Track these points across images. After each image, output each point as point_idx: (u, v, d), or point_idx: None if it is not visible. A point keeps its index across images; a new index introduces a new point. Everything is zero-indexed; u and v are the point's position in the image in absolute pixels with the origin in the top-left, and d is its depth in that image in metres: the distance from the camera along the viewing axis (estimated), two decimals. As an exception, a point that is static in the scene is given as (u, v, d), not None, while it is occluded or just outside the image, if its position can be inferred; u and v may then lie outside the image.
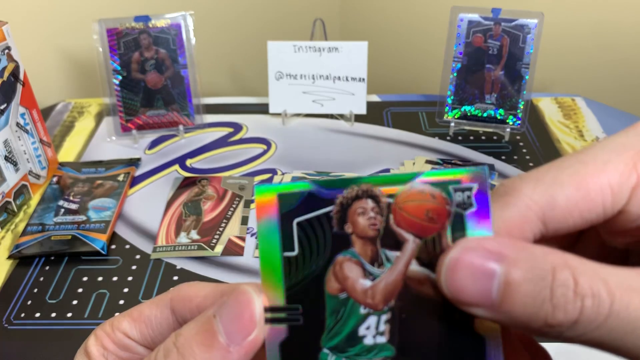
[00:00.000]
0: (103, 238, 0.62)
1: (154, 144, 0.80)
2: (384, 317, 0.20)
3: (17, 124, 0.67)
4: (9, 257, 0.61)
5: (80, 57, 0.95)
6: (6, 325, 0.54)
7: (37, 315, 0.55)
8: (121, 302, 0.56)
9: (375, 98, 0.89)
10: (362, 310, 0.20)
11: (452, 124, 0.80)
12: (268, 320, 0.20)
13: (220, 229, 0.64)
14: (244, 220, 0.65)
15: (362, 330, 0.20)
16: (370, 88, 0.83)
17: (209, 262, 0.61)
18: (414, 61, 1.19)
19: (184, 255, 0.61)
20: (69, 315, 0.55)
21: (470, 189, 0.20)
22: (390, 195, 0.20)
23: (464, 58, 0.77)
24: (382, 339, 0.20)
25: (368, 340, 0.20)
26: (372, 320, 0.20)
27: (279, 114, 0.83)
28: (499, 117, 0.78)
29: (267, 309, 0.20)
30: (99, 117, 0.86)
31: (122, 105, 0.78)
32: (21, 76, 0.68)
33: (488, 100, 0.78)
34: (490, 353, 0.20)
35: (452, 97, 0.79)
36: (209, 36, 1.04)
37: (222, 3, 1.11)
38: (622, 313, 0.17)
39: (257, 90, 1.10)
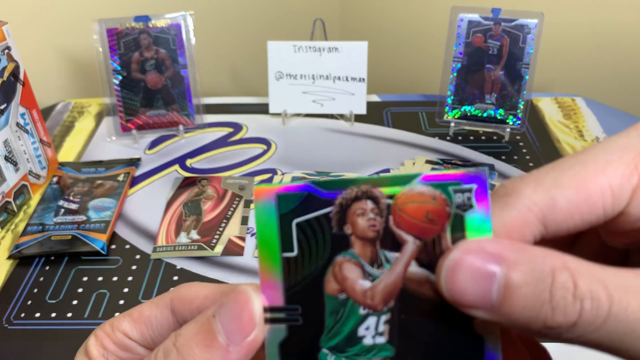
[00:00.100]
0: (103, 238, 0.62)
1: (154, 144, 0.80)
2: (384, 318, 0.20)
3: (17, 124, 0.67)
4: (9, 257, 0.61)
5: (80, 57, 0.95)
6: (6, 325, 0.54)
7: (37, 315, 0.55)
8: (121, 302, 0.56)
9: (375, 98, 0.89)
10: (362, 311, 0.20)
11: (452, 124, 0.80)
12: (267, 320, 0.21)
13: (220, 229, 0.64)
14: (244, 220, 0.65)
15: (361, 331, 0.20)
16: (370, 88, 0.83)
17: (209, 262, 0.61)
18: (414, 61, 1.19)
19: (184, 255, 0.61)
20: (69, 315, 0.55)
21: (470, 190, 0.20)
22: (390, 197, 0.20)
23: (464, 58, 0.77)
24: (381, 339, 0.20)
25: (367, 341, 0.21)
26: (371, 320, 0.20)
27: (279, 114, 0.83)
28: (499, 117, 0.78)
29: (267, 309, 0.20)
30: (99, 117, 0.86)
31: (122, 105, 0.78)
32: (21, 76, 0.68)
33: (488, 100, 0.78)
34: (489, 353, 0.20)
35: (452, 97, 0.79)
36: (209, 36, 1.04)
37: (222, 3, 1.11)
38: (620, 315, 0.17)
39: (257, 90, 1.10)
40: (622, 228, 0.21)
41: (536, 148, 0.77)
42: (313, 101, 0.82)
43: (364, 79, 0.80)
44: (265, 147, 0.79)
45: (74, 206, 0.67)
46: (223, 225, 0.64)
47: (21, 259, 0.61)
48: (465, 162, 0.73)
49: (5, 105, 0.65)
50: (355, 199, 0.20)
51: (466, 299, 0.19)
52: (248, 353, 0.20)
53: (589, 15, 0.92)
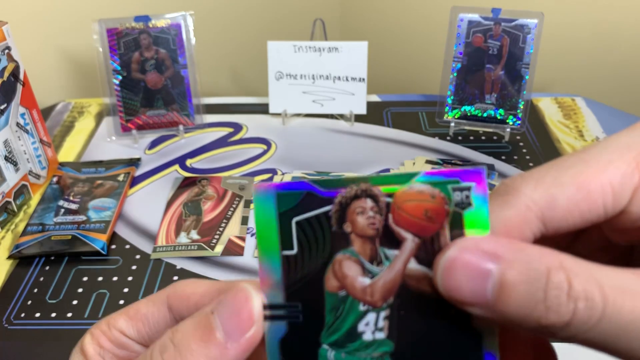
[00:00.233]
0: (103, 238, 0.62)
1: (154, 144, 0.80)
2: (383, 314, 0.21)
3: (17, 124, 0.67)
4: (9, 257, 0.61)
5: (80, 57, 0.95)
6: (6, 325, 0.54)
7: (37, 315, 0.55)
8: (121, 302, 0.56)
9: (375, 98, 0.89)
10: (361, 307, 0.21)
11: (452, 124, 0.80)
12: (268, 317, 0.21)
13: (220, 229, 0.64)
14: (244, 220, 0.65)
15: (361, 327, 0.21)
16: (370, 88, 0.83)
17: (209, 262, 0.61)
18: (414, 61, 1.19)
19: (184, 255, 0.61)
20: (69, 315, 0.55)
21: (468, 189, 0.20)
22: (389, 195, 0.20)
23: (464, 58, 0.77)
24: (381, 335, 0.21)
25: (367, 336, 0.21)
26: (371, 316, 0.21)
27: (279, 114, 0.83)
28: (499, 117, 0.78)
29: (267, 307, 0.21)
30: (99, 117, 0.86)
31: (122, 105, 0.78)
32: (21, 76, 0.68)
33: (488, 100, 0.78)
34: (486, 349, 0.20)
35: (452, 97, 0.79)
36: (209, 36, 1.04)
37: (222, 3, 1.11)
38: (614, 316, 0.17)
39: (257, 90, 1.09)
40: (624, 226, 0.21)
41: (536, 148, 0.77)
42: (313, 101, 0.82)
43: (364, 79, 0.80)
44: (265, 147, 0.79)
45: (74, 206, 0.67)
46: (223, 225, 0.64)
47: (21, 259, 0.61)
48: (465, 162, 0.73)
49: (5, 105, 0.65)
50: (355, 197, 0.20)
51: (461, 295, 0.19)
52: (246, 350, 0.21)
53: (589, 15, 0.92)
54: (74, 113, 0.87)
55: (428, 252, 0.20)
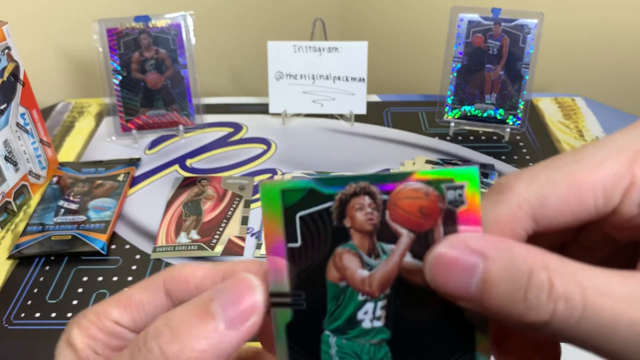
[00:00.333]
0: (103, 238, 0.62)
1: (154, 144, 0.80)
2: (380, 304, 0.22)
3: (17, 124, 0.67)
4: (9, 257, 0.61)
5: (80, 57, 0.95)
6: (6, 325, 0.54)
7: (37, 315, 0.55)
8: (121, 302, 0.56)
9: (375, 98, 0.89)
10: (360, 297, 0.22)
11: (452, 124, 0.80)
12: (275, 305, 0.22)
13: (220, 229, 0.64)
14: (244, 220, 0.65)
15: (360, 315, 0.22)
16: (370, 88, 0.83)
17: (209, 262, 0.60)
18: (414, 61, 1.19)
19: (184, 255, 0.61)
20: (69, 315, 0.55)
21: (462, 187, 0.21)
22: (386, 192, 0.21)
23: (464, 58, 0.77)
24: (378, 323, 0.22)
25: (366, 324, 0.22)
26: (369, 306, 0.22)
27: (279, 114, 0.83)
28: (499, 117, 0.78)
29: (274, 294, 0.22)
30: (99, 117, 0.86)
31: (122, 105, 0.78)
32: (21, 76, 0.68)
33: (488, 100, 0.78)
34: (478, 339, 0.22)
35: (452, 97, 0.79)
36: (209, 36, 1.04)
37: (222, 3, 1.11)
38: (594, 318, 0.18)
39: (257, 90, 1.09)
40: (617, 224, 0.21)
41: (536, 148, 0.77)
42: (313, 101, 0.82)
43: (364, 79, 0.80)
44: (265, 147, 0.79)
45: (74, 206, 0.67)
46: (223, 225, 0.64)
47: (21, 259, 0.61)
48: (465, 162, 0.73)
49: (5, 105, 0.65)
50: (354, 194, 0.21)
51: (448, 289, 0.20)
52: (245, 338, 0.21)
53: (589, 15, 0.92)
54: (74, 113, 0.87)
55: (423, 247, 0.21)
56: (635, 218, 0.21)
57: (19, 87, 0.67)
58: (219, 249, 0.61)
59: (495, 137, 0.79)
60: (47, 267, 0.60)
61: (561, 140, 0.79)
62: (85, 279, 0.59)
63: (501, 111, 0.77)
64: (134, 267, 0.60)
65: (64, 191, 0.69)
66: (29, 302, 0.56)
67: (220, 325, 0.20)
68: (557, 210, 0.21)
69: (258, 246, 0.62)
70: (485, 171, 0.71)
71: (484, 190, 0.68)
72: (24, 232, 0.63)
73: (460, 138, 0.80)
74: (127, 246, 0.63)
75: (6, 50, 0.65)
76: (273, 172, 0.74)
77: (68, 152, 0.79)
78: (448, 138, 0.80)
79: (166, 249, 0.62)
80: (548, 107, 0.86)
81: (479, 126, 0.79)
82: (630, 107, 0.91)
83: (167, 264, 0.60)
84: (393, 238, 0.21)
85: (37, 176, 0.71)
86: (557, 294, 0.18)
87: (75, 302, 0.56)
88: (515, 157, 0.75)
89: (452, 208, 0.21)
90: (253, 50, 1.08)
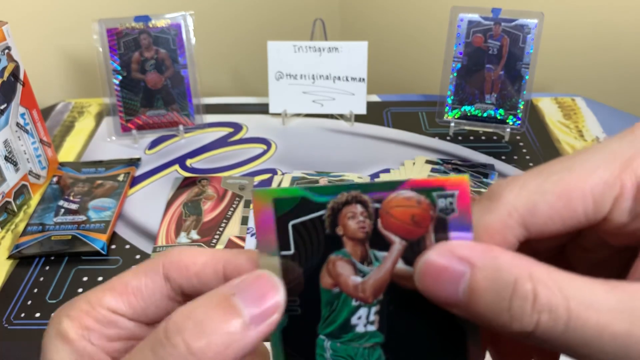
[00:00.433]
0: (103, 238, 0.62)
1: (154, 144, 0.80)
2: (374, 309, 0.23)
3: (17, 124, 0.67)
4: (9, 257, 0.61)
5: (80, 57, 0.95)
6: (6, 325, 0.54)
7: (37, 315, 0.55)
8: (121, 302, 0.56)
9: (375, 98, 0.89)
10: (354, 303, 0.23)
11: (452, 124, 0.80)
12: None
13: (220, 229, 0.64)
14: (244, 220, 0.65)
15: (354, 320, 0.23)
16: (370, 88, 0.83)
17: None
18: (414, 61, 1.19)
19: (184, 255, 0.61)
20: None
21: (452, 196, 0.21)
22: (378, 201, 0.22)
23: (464, 58, 0.77)
24: (372, 328, 0.23)
25: (360, 329, 0.23)
26: (362, 311, 0.23)
27: (279, 114, 0.83)
28: (499, 117, 0.78)
29: None
30: (99, 117, 0.86)
31: (122, 105, 0.78)
32: (21, 76, 0.68)
33: (488, 100, 0.78)
34: (470, 342, 0.22)
35: (452, 97, 0.79)
36: (209, 36, 1.04)
37: (222, 3, 1.11)
38: (577, 330, 0.18)
39: (257, 90, 1.09)
40: (609, 231, 0.21)
41: (536, 148, 0.77)
42: (313, 101, 0.82)
43: (364, 79, 0.80)
44: (265, 147, 0.79)
45: (74, 206, 0.67)
46: (223, 225, 0.64)
47: (21, 259, 0.61)
48: (465, 162, 0.73)
49: (5, 105, 0.65)
50: (346, 203, 0.22)
51: (436, 296, 0.20)
52: (265, 335, 0.21)
53: (589, 15, 0.92)
54: (74, 113, 0.87)
55: (415, 254, 0.21)
56: (626, 226, 0.21)
57: (19, 87, 0.67)
58: (219, 248, 0.61)
59: (495, 137, 0.79)
60: (47, 267, 0.60)
61: (561, 140, 0.79)
62: (85, 279, 0.59)
63: (501, 111, 0.77)
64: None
65: (64, 191, 0.69)
66: (29, 302, 0.56)
67: (244, 321, 0.20)
68: (547, 218, 0.21)
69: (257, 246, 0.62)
70: (485, 171, 0.71)
71: (480, 191, 0.68)
72: (24, 232, 0.63)
73: (460, 138, 0.80)
74: (127, 246, 0.63)
75: (6, 50, 0.65)
76: (273, 172, 0.74)
77: (68, 152, 0.79)
78: (448, 138, 0.80)
79: (166, 249, 0.62)
80: (548, 107, 0.86)
81: (479, 126, 0.79)
82: (630, 107, 0.91)
83: (167, 264, 0.60)
84: (385, 245, 0.22)
85: (37, 176, 0.71)
86: (541, 305, 0.18)
87: (75, 302, 0.56)
88: (515, 157, 0.75)
89: (443, 216, 0.21)
90: (253, 50, 1.08)
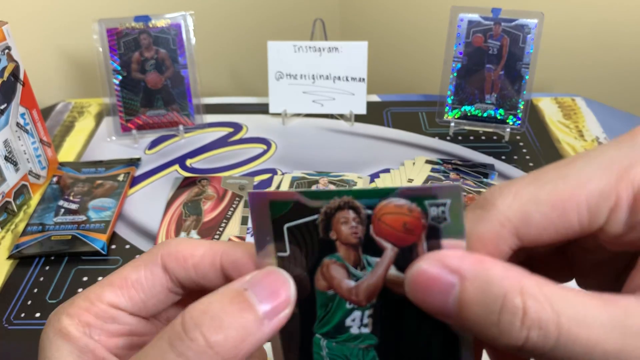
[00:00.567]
0: (103, 238, 0.62)
1: (154, 144, 0.80)
2: (367, 312, 0.23)
3: (17, 124, 0.67)
4: (9, 257, 0.61)
5: (80, 57, 0.95)
6: (6, 325, 0.54)
7: (37, 315, 0.55)
8: (121, 302, 0.56)
9: (375, 98, 0.89)
10: (348, 305, 0.23)
11: (452, 124, 0.80)
12: None
13: (220, 229, 0.64)
14: (244, 220, 0.65)
15: (348, 322, 0.23)
16: (370, 88, 0.83)
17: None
18: (414, 61, 1.19)
19: (184, 255, 0.61)
20: (69, 315, 0.55)
21: (444, 204, 0.21)
22: (370, 207, 0.22)
23: (464, 58, 0.77)
24: (366, 330, 0.23)
25: (354, 330, 0.23)
26: (356, 314, 0.23)
27: (279, 114, 0.83)
28: (499, 117, 0.78)
29: None
30: (99, 117, 0.86)
31: (122, 105, 0.78)
32: (21, 76, 0.68)
33: (488, 100, 0.78)
34: (463, 348, 0.22)
35: (452, 97, 0.79)
36: (209, 36, 1.05)
37: (222, 3, 1.11)
38: (568, 347, 0.18)
39: (257, 90, 1.10)
40: (605, 240, 0.21)
41: (536, 148, 0.77)
42: (313, 101, 0.82)
43: (364, 79, 0.80)
44: (265, 147, 0.79)
45: (74, 206, 0.67)
46: (223, 225, 0.65)
47: (21, 259, 0.61)
48: (465, 162, 0.73)
49: (5, 105, 0.65)
50: (338, 208, 0.22)
51: (426, 305, 0.20)
52: (276, 329, 0.21)
53: (589, 15, 0.92)
54: (74, 113, 0.87)
55: (407, 260, 0.22)
56: (622, 236, 0.20)
57: (19, 87, 0.67)
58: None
59: (495, 137, 0.79)
60: (47, 267, 0.60)
61: (561, 140, 0.79)
62: (85, 279, 0.59)
63: (501, 111, 0.77)
64: (134, 267, 0.60)
65: (64, 191, 0.69)
66: (29, 302, 0.56)
67: (259, 315, 0.20)
68: (540, 228, 0.20)
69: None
70: (485, 171, 0.71)
71: (479, 191, 0.67)
72: (24, 232, 0.63)
73: (460, 138, 0.80)
74: (127, 246, 0.63)
75: (6, 50, 0.65)
76: (273, 172, 0.74)
77: (68, 152, 0.79)
78: (448, 138, 0.80)
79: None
80: (548, 107, 0.86)
81: (479, 126, 0.79)
82: (630, 107, 0.91)
83: (167, 264, 0.60)
84: (378, 251, 0.22)
85: (37, 176, 0.71)
86: (530, 320, 0.18)
87: (75, 302, 0.56)
88: (515, 157, 0.75)
89: (435, 224, 0.21)
90: (253, 50, 1.08)
